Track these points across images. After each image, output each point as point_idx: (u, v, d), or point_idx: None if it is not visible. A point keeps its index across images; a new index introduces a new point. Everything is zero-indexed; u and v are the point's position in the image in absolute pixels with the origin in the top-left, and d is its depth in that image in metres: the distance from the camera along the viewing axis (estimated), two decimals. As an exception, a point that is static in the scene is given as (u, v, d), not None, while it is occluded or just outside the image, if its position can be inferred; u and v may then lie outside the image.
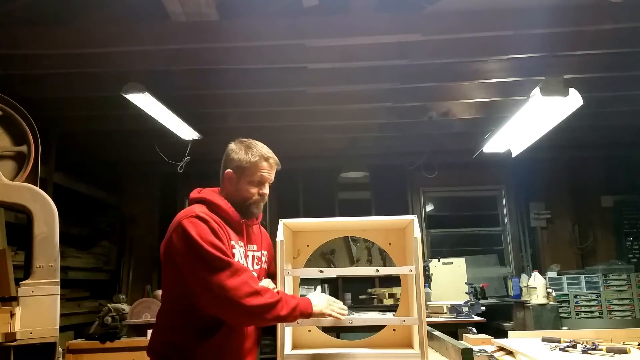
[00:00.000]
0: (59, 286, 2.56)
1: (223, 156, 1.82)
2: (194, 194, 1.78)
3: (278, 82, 3.88)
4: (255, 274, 1.73)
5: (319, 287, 1.97)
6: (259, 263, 1.81)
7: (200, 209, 1.65)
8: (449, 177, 6.20)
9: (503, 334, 3.09)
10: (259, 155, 1.76)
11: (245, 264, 1.70)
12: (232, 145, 1.81)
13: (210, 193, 1.75)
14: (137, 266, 6.09)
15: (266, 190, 1.81)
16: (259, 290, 1.55)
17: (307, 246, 2.19)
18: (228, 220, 1.71)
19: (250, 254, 1.78)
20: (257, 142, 1.82)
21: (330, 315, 1.70)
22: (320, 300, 1.71)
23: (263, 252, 1.88)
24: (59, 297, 2.55)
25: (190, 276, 1.56)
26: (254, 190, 1.76)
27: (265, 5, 3.20)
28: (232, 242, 1.69)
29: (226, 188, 1.78)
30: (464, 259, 5.48)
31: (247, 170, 1.75)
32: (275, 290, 1.65)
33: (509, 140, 4.57)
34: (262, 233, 1.94)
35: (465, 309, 4.43)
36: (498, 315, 5.40)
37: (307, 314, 1.65)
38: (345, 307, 1.81)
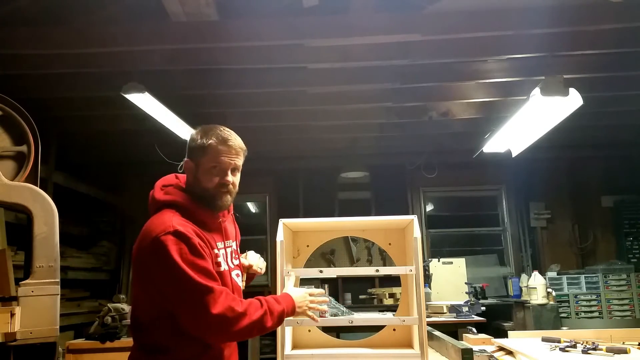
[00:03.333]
0: (59, 286, 2.56)
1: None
2: (162, 196, 1.61)
3: (278, 82, 3.88)
4: (237, 272, 1.70)
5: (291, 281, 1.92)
6: (237, 257, 1.78)
7: (176, 220, 1.50)
8: (449, 177, 6.20)
9: (503, 334, 3.09)
10: (215, 138, 1.58)
11: (228, 265, 1.67)
12: (191, 134, 1.65)
13: (180, 194, 1.60)
14: (137, 266, 6.09)
15: (230, 178, 1.61)
16: (243, 311, 1.48)
17: (307, 246, 2.19)
18: (205, 222, 1.59)
19: (229, 250, 1.70)
20: (222, 127, 1.64)
21: (311, 310, 1.69)
22: (300, 298, 1.67)
23: (236, 242, 1.80)
24: (59, 297, 2.55)
25: (172, 299, 1.47)
26: (215, 179, 1.59)
27: (265, 5, 3.20)
28: (216, 250, 1.60)
29: (187, 179, 1.64)
30: (464, 259, 5.47)
31: (204, 155, 1.59)
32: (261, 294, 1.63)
33: (509, 140, 4.57)
34: (234, 224, 1.83)
35: (465, 309, 4.43)
36: (498, 315, 5.39)
37: (291, 314, 1.63)
38: (323, 291, 1.77)
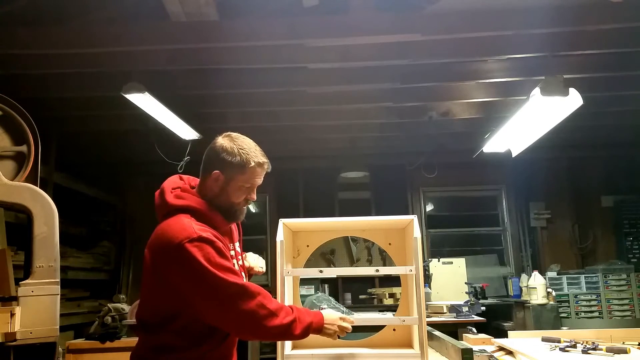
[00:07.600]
0: (59, 286, 2.56)
1: (209, 150, 1.66)
2: (174, 200, 1.60)
3: (278, 82, 3.88)
4: (242, 273, 1.72)
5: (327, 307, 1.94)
6: (240, 258, 1.79)
7: (196, 226, 1.52)
8: (449, 177, 6.20)
9: (503, 334, 3.09)
10: (255, 162, 1.62)
11: (236, 265, 1.68)
12: (223, 143, 1.63)
13: (196, 200, 1.61)
14: (137, 266, 6.09)
15: (254, 195, 1.67)
16: (275, 310, 1.52)
17: (307, 246, 2.19)
18: (218, 227, 1.61)
19: (234, 252, 1.72)
20: (247, 140, 1.67)
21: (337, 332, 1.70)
22: (331, 320, 1.68)
23: (238, 243, 1.83)
24: (59, 297, 2.55)
25: (201, 302, 1.49)
26: (243, 195, 1.64)
27: (265, 5, 3.20)
28: (231, 252, 1.64)
29: (210, 189, 1.63)
30: (464, 259, 5.48)
31: (240, 175, 1.61)
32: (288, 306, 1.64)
33: (509, 140, 4.56)
34: (237, 224, 1.84)
35: (465, 309, 4.43)
36: (498, 315, 5.39)
37: (319, 330, 1.64)
38: (354, 322, 1.79)
